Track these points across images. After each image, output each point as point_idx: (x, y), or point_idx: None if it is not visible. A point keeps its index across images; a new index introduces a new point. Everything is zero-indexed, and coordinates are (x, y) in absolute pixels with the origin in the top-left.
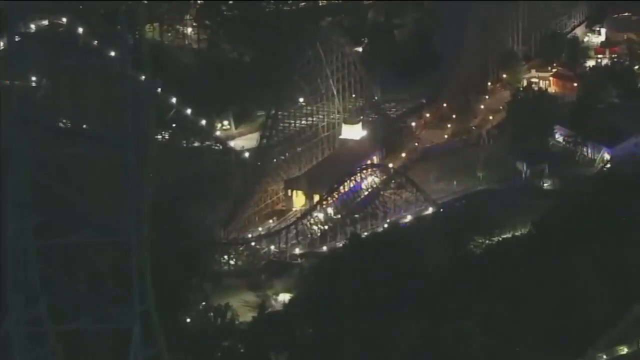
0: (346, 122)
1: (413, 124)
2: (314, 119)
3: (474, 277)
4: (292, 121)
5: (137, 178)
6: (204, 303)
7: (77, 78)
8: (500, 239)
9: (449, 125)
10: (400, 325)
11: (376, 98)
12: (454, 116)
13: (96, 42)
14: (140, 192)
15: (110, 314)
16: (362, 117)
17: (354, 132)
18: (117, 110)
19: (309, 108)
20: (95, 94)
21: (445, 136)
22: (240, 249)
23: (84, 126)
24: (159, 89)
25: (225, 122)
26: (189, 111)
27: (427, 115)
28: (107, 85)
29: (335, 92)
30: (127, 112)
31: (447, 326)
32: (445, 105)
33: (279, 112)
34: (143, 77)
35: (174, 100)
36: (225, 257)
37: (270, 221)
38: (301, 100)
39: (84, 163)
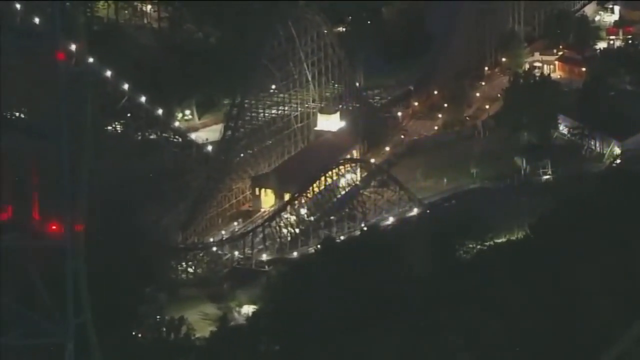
0: (322, 111)
1: (399, 113)
2: (286, 108)
3: (463, 286)
4: (261, 111)
5: (72, 173)
6: (158, 317)
7: (5, 61)
8: (494, 243)
9: (439, 115)
10: (378, 340)
11: (358, 84)
12: (445, 105)
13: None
14: (76, 189)
15: (42, 328)
16: (340, 106)
17: (331, 123)
18: (51, 98)
19: (280, 96)
20: (26, 79)
21: (436, 127)
22: (200, 254)
23: (14, 115)
24: (109, 73)
25: (188, 112)
26: (143, 99)
27: (416, 103)
28: (40, 69)
29: (310, 78)
30: (62, 99)
31: (430, 341)
32: (436, 92)
33: (246, 101)
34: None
35: (126, 86)
36: (183, 264)
37: (235, 223)
38: (272, 86)
39: (12, 157)
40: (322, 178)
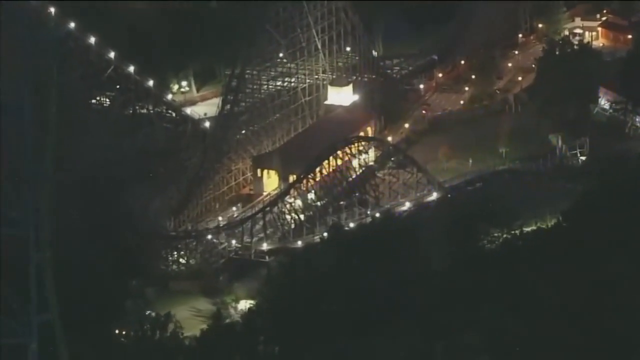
0: (333, 83)
1: (421, 86)
2: (292, 79)
3: (485, 281)
4: (264, 82)
5: (36, 152)
6: (148, 312)
7: None
8: (522, 232)
9: (466, 88)
10: (388, 340)
11: (375, 53)
12: (473, 77)
13: None
14: (40, 172)
15: (2, 326)
16: (354, 78)
17: (343, 96)
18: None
19: (285, 66)
20: None
21: (462, 102)
22: (194, 243)
23: None
24: (93, 40)
25: (184, 83)
26: (132, 69)
27: (440, 75)
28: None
29: (319, 46)
30: (26, 69)
31: (446, 342)
32: (462, 62)
33: (247, 71)
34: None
35: (112, 55)
36: (174, 253)
37: (234, 208)
38: (277, 55)
39: None
40: (332, 158)
